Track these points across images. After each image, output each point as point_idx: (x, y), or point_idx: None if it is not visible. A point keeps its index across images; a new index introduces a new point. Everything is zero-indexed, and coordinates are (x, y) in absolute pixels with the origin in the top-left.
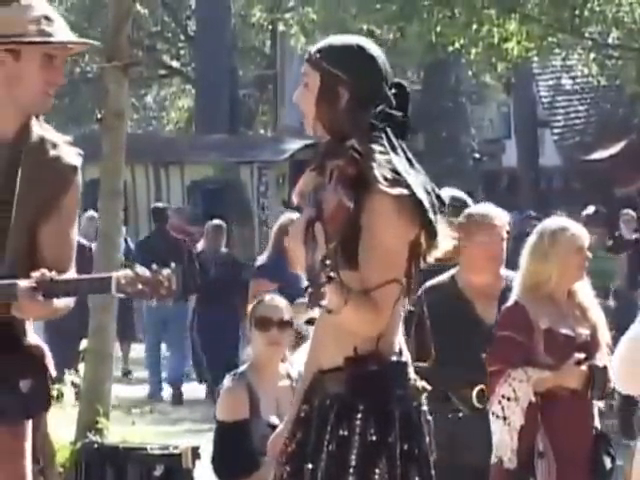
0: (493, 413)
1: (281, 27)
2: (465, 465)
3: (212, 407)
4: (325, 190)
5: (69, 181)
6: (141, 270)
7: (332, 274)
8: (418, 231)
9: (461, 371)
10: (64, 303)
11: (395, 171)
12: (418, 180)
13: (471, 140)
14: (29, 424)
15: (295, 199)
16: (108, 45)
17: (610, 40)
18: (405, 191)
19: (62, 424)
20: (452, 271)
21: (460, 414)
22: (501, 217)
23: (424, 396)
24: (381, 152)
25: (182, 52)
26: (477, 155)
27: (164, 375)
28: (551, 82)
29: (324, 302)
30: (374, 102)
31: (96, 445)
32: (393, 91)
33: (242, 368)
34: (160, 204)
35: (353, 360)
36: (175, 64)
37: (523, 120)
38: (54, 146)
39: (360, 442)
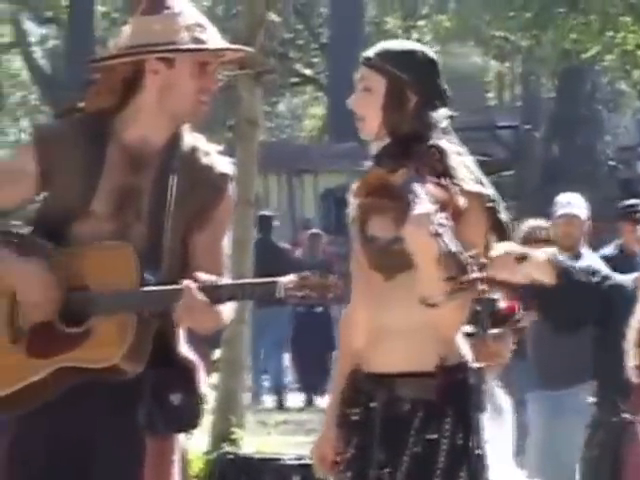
0: None
1: (415, 34)
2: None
3: None
4: (424, 186)
5: (222, 190)
6: (308, 274)
7: (484, 261)
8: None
9: None
10: (228, 313)
11: (471, 171)
12: (487, 182)
13: (606, 147)
14: (178, 439)
15: (375, 200)
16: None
17: None
18: (486, 191)
19: (195, 434)
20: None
21: (626, 417)
22: None
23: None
24: (458, 152)
25: (315, 60)
26: (612, 162)
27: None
28: None
29: (481, 288)
30: (438, 104)
31: (231, 455)
32: None
33: None
34: (266, 212)
35: (443, 368)
36: (308, 72)
37: None
38: (206, 155)
39: (449, 445)
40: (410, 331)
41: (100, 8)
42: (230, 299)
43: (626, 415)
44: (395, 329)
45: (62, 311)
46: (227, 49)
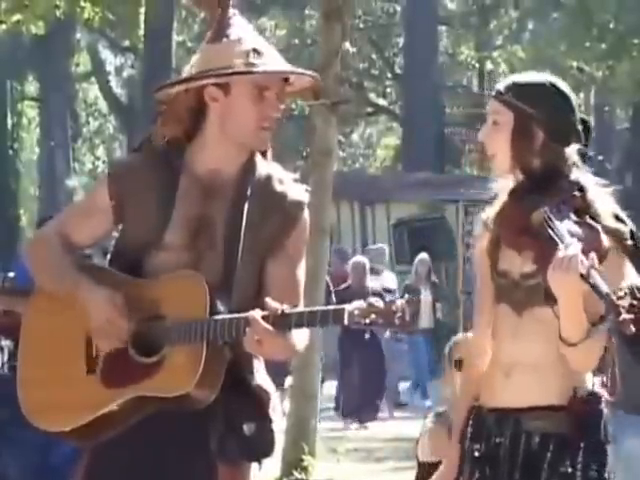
0: None
1: (489, 65)
2: None
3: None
4: (568, 225)
5: (295, 218)
6: (374, 300)
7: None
8: None
9: None
10: (302, 343)
11: (610, 205)
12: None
13: None
14: (251, 467)
15: (510, 235)
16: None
17: None
18: (624, 227)
19: (267, 460)
20: None
21: None
22: None
23: None
24: (597, 185)
25: (389, 90)
26: None
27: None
28: None
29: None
30: (568, 140)
31: None
32: (580, 127)
33: (442, 409)
34: None
35: (577, 401)
36: (382, 102)
37: None
38: (280, 183)
39: (583, 478)
40: (541, 365)
41: (176, 37)
42: (298, 326)
43: None
44: (526, 363)
45: (137, 341)
46: (277, 72)
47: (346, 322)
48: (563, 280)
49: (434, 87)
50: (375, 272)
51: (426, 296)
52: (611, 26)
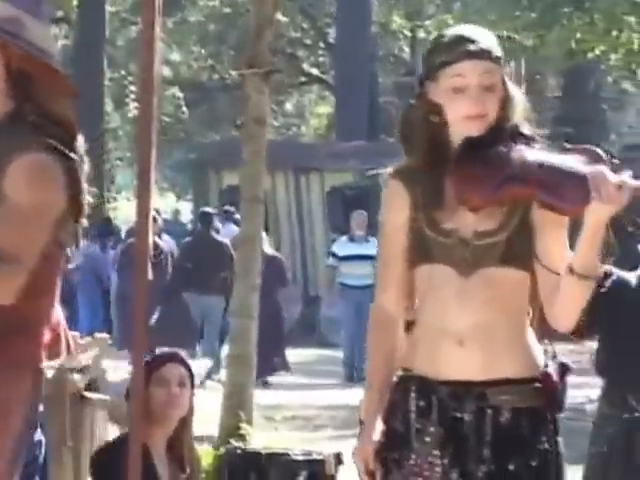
0: None
1: (421, 34)
2: None
3: (354, 413)
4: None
5: (11, 159)
6: None
7: None
8: None
9: None
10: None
11: None
12: None
13: (611, 146)
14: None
15: (485, 193)
16: (249, 52)
17: None
18: None
19: (205, 429)
20: None
21: (636, 414)
22: None
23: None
24: None
25: (322, 59)
26: (617, 161)
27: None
28: None
29: None
30: None
31: (239, 451)
32: None
33: None
34: (208, 209)
35: (549, 373)
36: (315, 71)
37: None
38: (21, 131)
39: (555, 452)
40: (501, 334)
41: (110, 8)
42: None
43: (637, 410)
44: (482, 331)
45: None
46: None
47: None
48: (606, 210)
49: (367, 56)
50: (356, 239)
51: None
52: None
